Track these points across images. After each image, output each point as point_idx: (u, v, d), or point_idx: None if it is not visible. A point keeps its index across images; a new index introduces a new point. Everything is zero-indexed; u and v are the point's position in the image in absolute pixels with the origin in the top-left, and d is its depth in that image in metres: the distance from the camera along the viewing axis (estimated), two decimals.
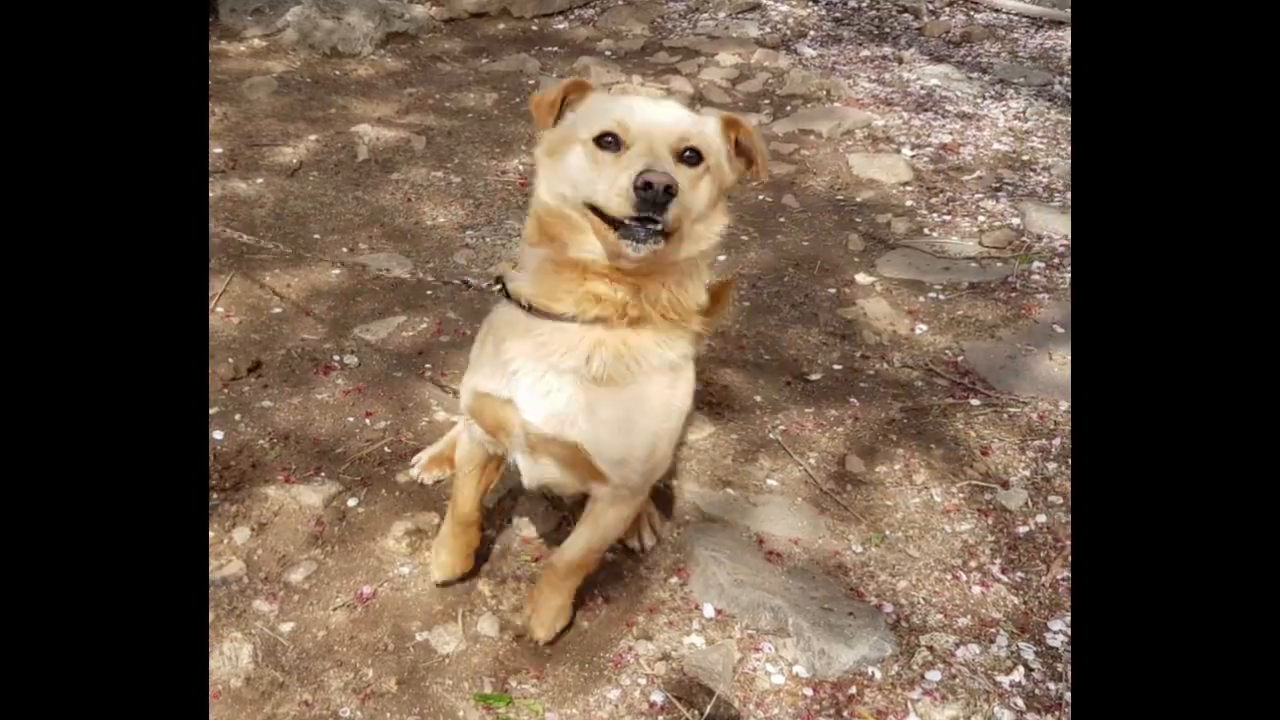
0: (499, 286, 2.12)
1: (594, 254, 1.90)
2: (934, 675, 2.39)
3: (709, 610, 2.52)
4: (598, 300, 1.94)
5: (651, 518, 2.74)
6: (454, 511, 2.44)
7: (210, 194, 4.32)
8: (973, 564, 2.74)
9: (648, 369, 2.01)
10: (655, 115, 1.91)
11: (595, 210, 1.86)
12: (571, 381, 2.00)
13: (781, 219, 4.50)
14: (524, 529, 2.74)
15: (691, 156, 1.89)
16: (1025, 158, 5.08)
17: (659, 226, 1.79)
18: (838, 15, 7.02)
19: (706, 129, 1.96)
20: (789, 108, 5.57)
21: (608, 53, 6.27)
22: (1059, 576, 2.66)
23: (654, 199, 1.75)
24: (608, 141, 1.86)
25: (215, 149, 4.68)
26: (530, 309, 2.00)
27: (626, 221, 1.80)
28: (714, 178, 1.94)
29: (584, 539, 2.29)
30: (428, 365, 3.38)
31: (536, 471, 2.17)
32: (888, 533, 2.82)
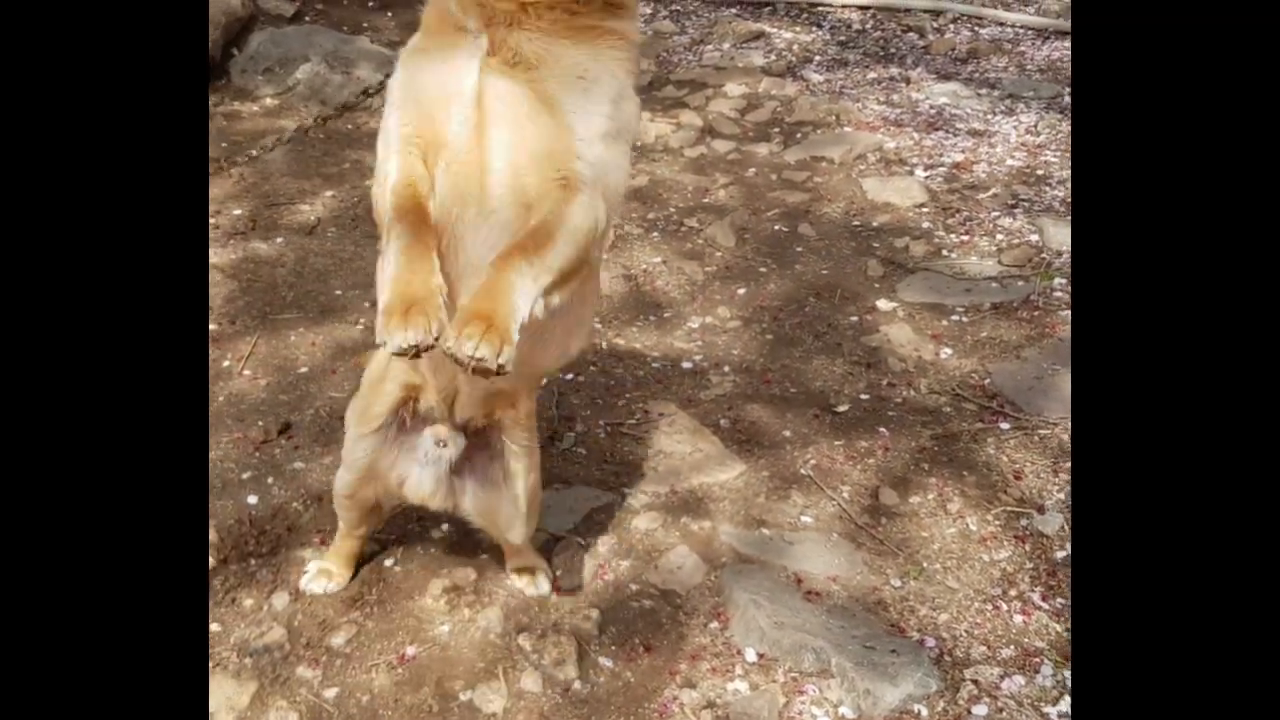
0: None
1: None
2: (980, 710, 2.37)
3: (751, 655, 2.51)
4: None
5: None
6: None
7: (231, 256, 4.36)
8: (1013, 592, 2.72)
9: (595, 34, 1.92)
10: None
11: None
12: (524, 32, 1.88)
13: (799, 248, 4.50)
14: (562, 579, 2.74)
15: None
16: (1040, 172, 5.07)
17: None
18: (842, 39, 7.04)
19: None
20: (799, 135, 5.59)
21: None
22: None
23: None
24: None
25: (234, 210, 4.72)
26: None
27: None
28: None
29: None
30: None
31: (481, 207, 1.93)
32: (925, 565, 2.81)
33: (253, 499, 2.99)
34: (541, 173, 1.90)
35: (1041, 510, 2.97)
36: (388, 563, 2.78)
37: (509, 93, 1.88)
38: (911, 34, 7.09)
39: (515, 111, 1.88)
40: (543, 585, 2.69)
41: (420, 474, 2.41)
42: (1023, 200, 4.78)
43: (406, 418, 2.40)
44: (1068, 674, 2.46)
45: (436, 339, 1.77)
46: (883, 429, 3.34)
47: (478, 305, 1.79)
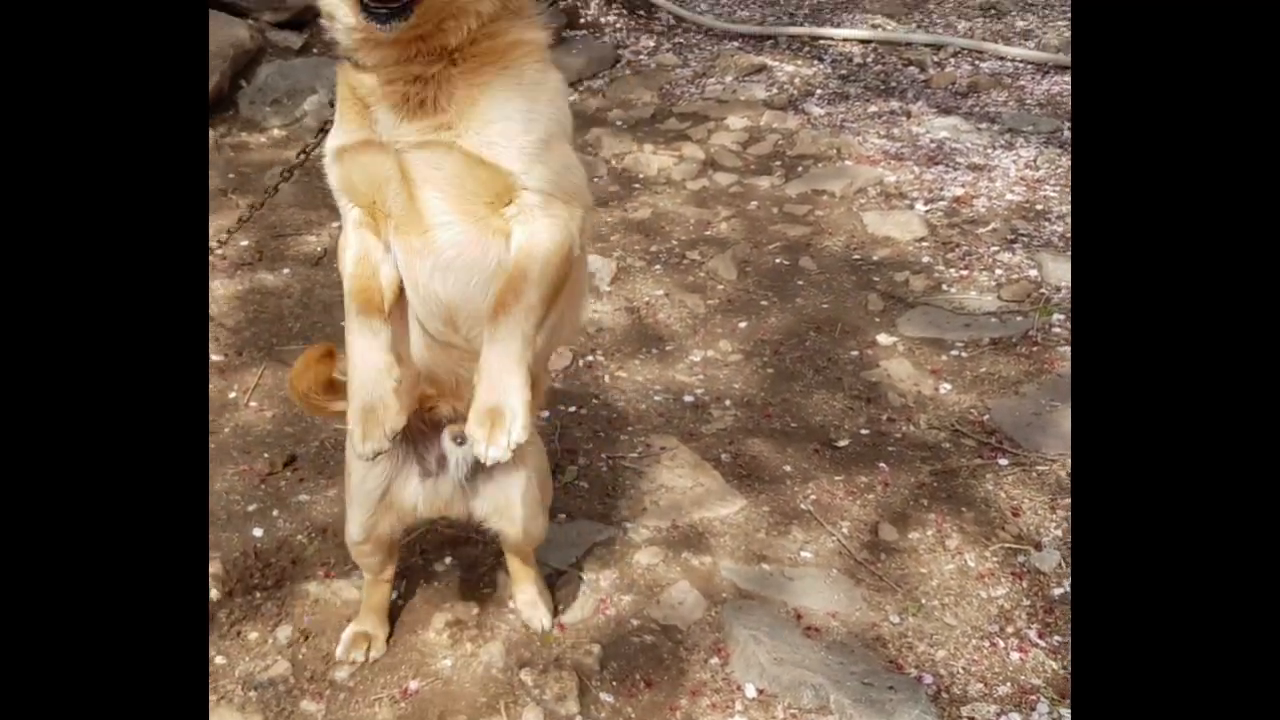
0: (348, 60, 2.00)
1: (357, 27, 1.86)
2: None
3: (751, 691, 2.54)
4: (413, 54, 1.88)
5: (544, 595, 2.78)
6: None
7: (238, 287, 4.41)
8: (1010, 630, 2.75)
9: (504, 60, 1.93)
10: None
11: None
12: (429, 89, 1.91)
13: (800, 281, 4.54)
14: (564, 614, 2.77)
15: None
16: (1039, 207, 5.12)
17: (400, 3, 1.74)
18: (843, 72, 7.11)
19: None
20: (800, 168, 5.64)
21: (619, 122, 6.36)
22: None
23: None
24: None
25: (242, 241, 4.77)
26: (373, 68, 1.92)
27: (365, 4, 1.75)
28: None
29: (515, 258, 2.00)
30: None
31: (437, 272, 2.03)
32: (924, 601, 2.84)
33: (258, 531, 3.02)
34: (492, 214, 1.97)
35: (1039, 547, 3.00)
36: (391, 597, 2.80)
37: (432, 160, 1.94)
38: (912, 68, 7.16)
39: (444, 173, 1.94)
40: (545, 620, 2.72)
41: (435, 484, 2.43)
42: (1022, 235, 4.83)
43: (416, 428, 2.42)
44: (1064, 711, 2.48)
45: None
46: (882, 464, 3.37)
47: (482, 401, 1.94)
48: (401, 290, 2.12)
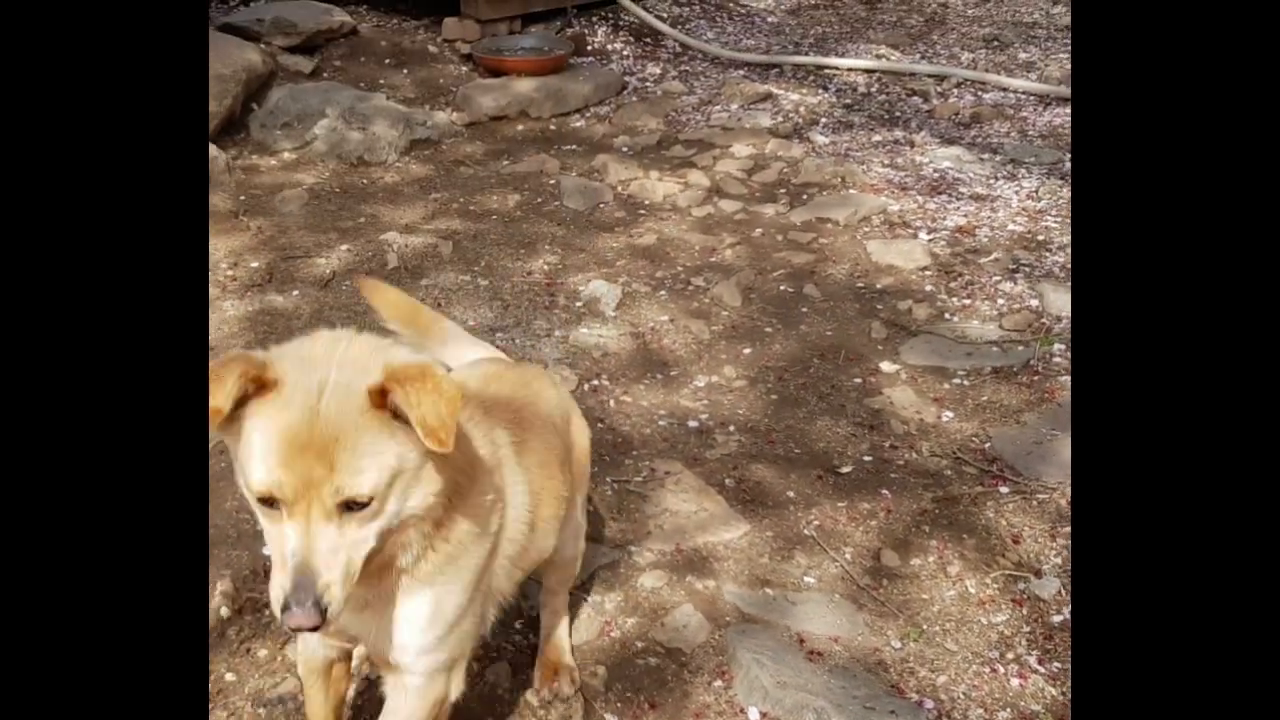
0: None
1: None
2: None
3: (754, 714, 2.57)
4: None
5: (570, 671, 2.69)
6: None
7: (248, 308, 4.46)
8: (1010, 656, 2.78)
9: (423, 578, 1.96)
10: (309, 470, 1.65)
11: None
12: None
13: (804, 309, 4.59)
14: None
15: (356, 505, 1.69)
16: (1040, 238, 5.17)
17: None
18: (848, 102, 7.18)
19: (368, 448, 1.68)
20: (805, 196, 5.70)
21: (625, 149, 6.43)
22: None
23: (315, 601, 1.66)
24: (269, 501, 1.68)
25: (252, 263, 4.83)
26: None
27: None
28: (401, 478, 1.73)
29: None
30: None
31: None
32: (925, 626, 2.88)
33: (268, 550, 3.05)
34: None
35: (1039, 574, 3.04)
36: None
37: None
38: (916, 98, 7.23)
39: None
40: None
41: None
42: (1024, 265, 4.88)
43: None
44: None
45: None
46: (885, 491, 3.41)
47: None
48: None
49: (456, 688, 2.14)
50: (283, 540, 1.68)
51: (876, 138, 6.57)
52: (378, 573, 1.88)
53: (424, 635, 1.99)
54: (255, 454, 1.67)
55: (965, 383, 4.03)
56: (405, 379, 1.67)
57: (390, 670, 2.07)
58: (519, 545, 2.17)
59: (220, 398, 1.64)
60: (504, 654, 2.73)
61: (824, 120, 6.87)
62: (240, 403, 1.68)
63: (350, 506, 1.68)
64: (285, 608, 1.65)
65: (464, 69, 7.42)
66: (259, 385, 1.68)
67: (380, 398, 1.68)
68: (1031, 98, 7.16)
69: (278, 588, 1.68)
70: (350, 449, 1.66)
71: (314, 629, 1.69)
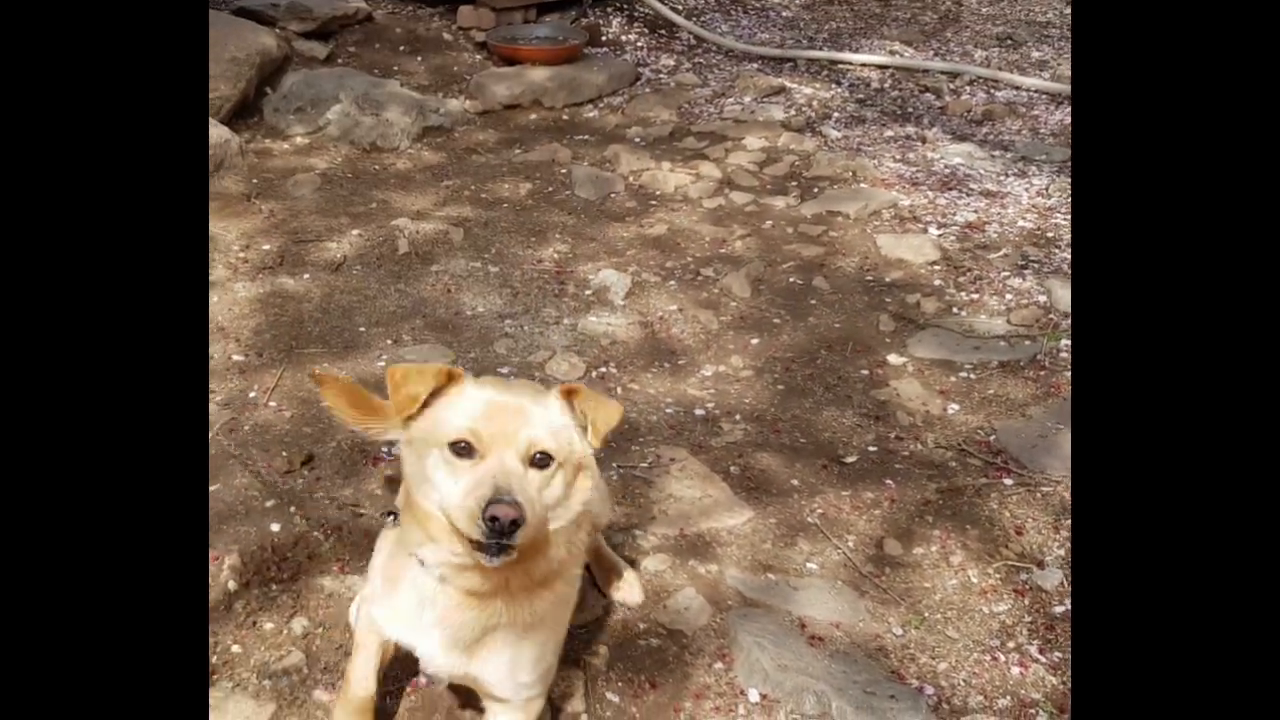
0: (391, 519, 2.23)
1: (459, 553, 1.96)
2: None
3: (754, 695, 2.59)
4: (485, 579, 2.02)
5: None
6: (346, 693, 2.41)
7: (260, 290, 4.48)
8: (1011, 645, 2.80)
9: (530, 622, 2.11)
10: (507, 423, 1.93)
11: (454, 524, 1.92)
12: (473, 635, 2.10)
13: (813, 301, 4.61)
14: (572, 616, 2.82)
15: (542, 459, 1.93)
16: (1050, 234, 5.18)
17: (511, 546, 1.85)
18: (861, 97, 7.18)
19: (554, 421, 1.99)
20: (816, 190, 5.71)
21: (637, 139, 6.44)
22: None
23: (501, 529, 1.81)
24: (462, 448, 1.91)
25: (264, 246, 4.85)
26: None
27: (479, 542, 1.86)
28: (568, 466, 1.98)
29: None
30: None
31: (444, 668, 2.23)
32: (927, 614, 2.89)
33: (275, 526, 3.08)
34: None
35: (1041, 565, 3.05)
36: None
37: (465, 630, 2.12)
38: (929, 94, 7.23)
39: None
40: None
41: None
42: (1032, 261, 4.89)
43: None
44: None
45: None
46: (889, 481, 3.42)
47: None
48: None
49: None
50: (475, 475, 1.87)
51: (888, 133, 6.57)
52: (516, 590, 2.06)
53: (532, 673, 2.19)
54: (457, 412, 1.95)
55: (972, 376, 4.04)
56: (585, 391, 2.05)
57: (497, 701, 2.25)
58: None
59: (419, 387, 1.98)
60: None
61: (836, 115, 6.87)
62: (429, 398, 1.99)
63: (535, 462, 1.93)
64: (488, 506, 1.81)
65: (478, 57, 7.44)
66: (449, 380, 2.01)
67: (567, 397, 2.03)
68: (1043, 96, 7.16)
69: (471, 500, 1.84)
70: (541, 412, 1.99)
71: (514, 523, 1.81)
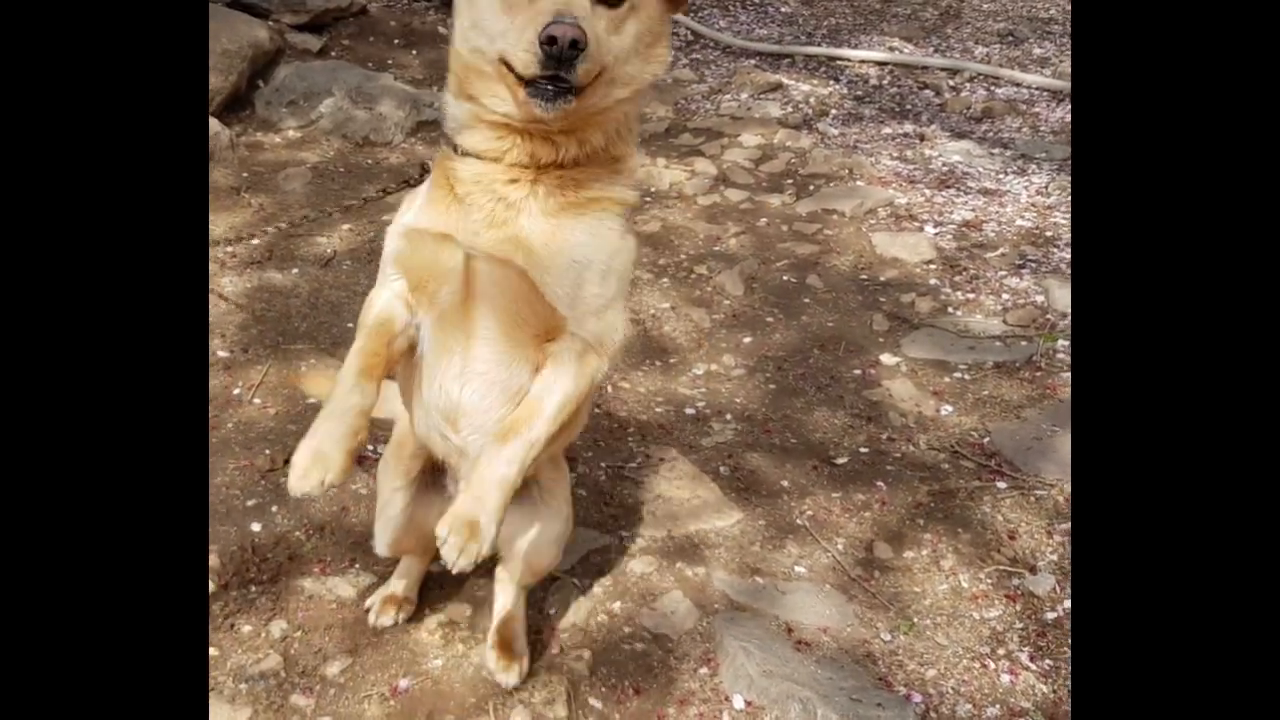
0: (450, 146, 2.03)
1: (509, 110, 1.85)
2: None
3: (739, 702, 2.54)
4: (532, 154, 1.91)
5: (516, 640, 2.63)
6: (364, 320, 2.13)
7: (247, 284, 4.43)
8: (1001, 652, 2.75)
9: (594, 207, 1.97)
10: None
11: (508, 63, 1.79)
12: (519, 213, 1.94)
13: (806, 299, 4.56)
14: (556, 619, 2.78)
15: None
16: (1048, 234, 5.13)
17: (569, 84, 1.74)
18: (859, 94, 7.13)
19: None
20: (812, 187, 5.66)
21: None
22: None
23: (560, 55, 1.69)
24: None
25: (253, 240, 4.79)
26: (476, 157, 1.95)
27: (535, 79, 1.74)
28: (643, 11, 1.85)
29: (529, 409, 2.06)
30: None
31: (461, 377, 2.09)
32: (916, 620, 2.84)
33: (256, 526, 3.03)
34: (532, 344, 2.05)
35: (1034, 570, 3.00)
36: (384, 594, 2.81)
37: (501, 278, 1.98)
38: (928, 91, 7.18)
39: (505, 294, 2.00)
40: (513, 679, 2.54)
41: None
42: (1030, 261, 4.84)
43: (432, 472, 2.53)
44: None
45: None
46: (880, 483, 3.37)
47: (461, 509, 1.98)
48: (412, 350, 2.16)
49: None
50: (534, 7, 1.74)
51: (886, 130, 6.52)
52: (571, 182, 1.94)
53: (592, 288, 1.99)
54: None
55: (966, 377, 3.99)
56: None
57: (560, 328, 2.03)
58: None
59: None
60: (489, 635, 2.70)
61: (834, 111, 6.82)
62: None
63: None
64: (547, 27, 1.68)
65: None
66: None
67: None
68: (1045, 93, 7.11)
69: (530, 28, 1.72)
70: None
71: (574, 44, 1.69)
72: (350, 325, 4.15)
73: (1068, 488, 3.31)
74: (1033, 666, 2.69)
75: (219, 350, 3.94)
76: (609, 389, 3.85)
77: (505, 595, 2.62)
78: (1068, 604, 2.87)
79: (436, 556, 2.17)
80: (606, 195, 1.99)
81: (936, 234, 5.12)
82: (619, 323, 2.08)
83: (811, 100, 7.00)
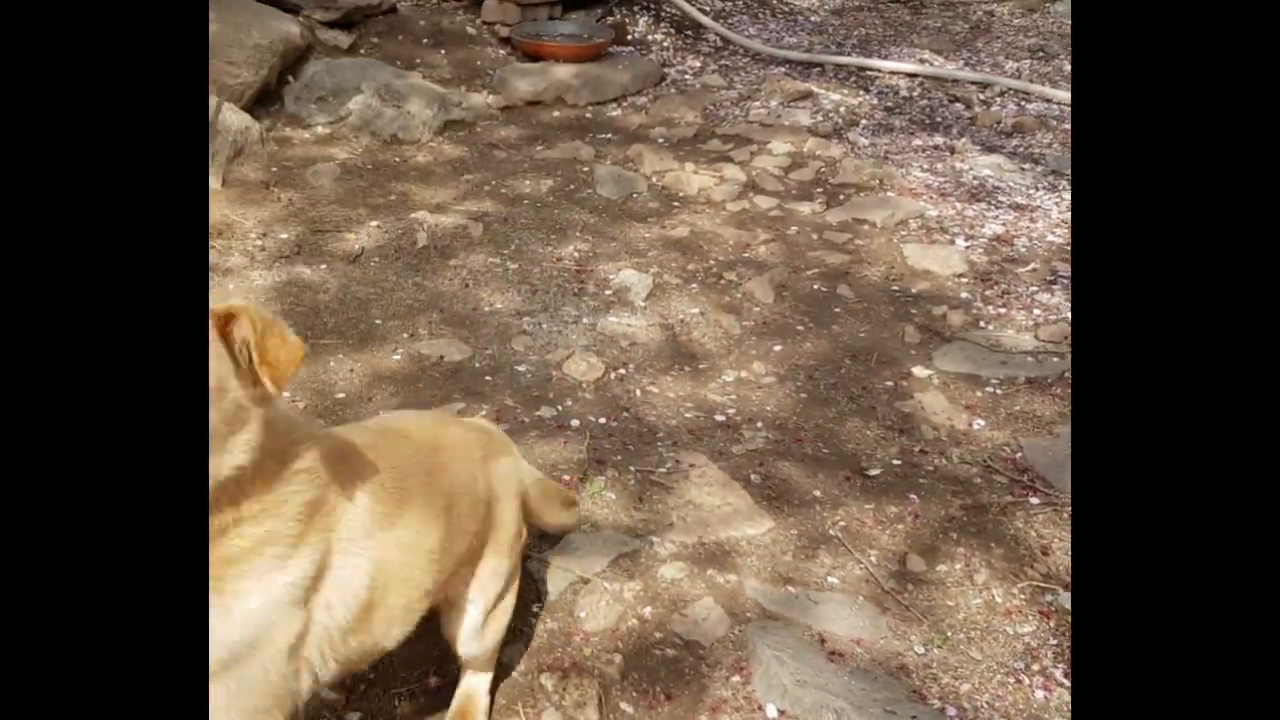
0: None
1: None
2: None
3: (772, 710, 2.51)
4: None
5: None
6: None
7: (276, 279, 4.42)
8: (1035, 667, 2.72)
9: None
10: None
11: None
12: None
13: (837, 309, 4.53)
14: (586, 622, 2.75)
15: None
16: None
17: None
18: (889, 105, 7.10)
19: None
20: (842, 197, 5.63)
21: (660, 139, 6.37)
22: None
23: None
24: None
25: (282, 234, 4.79)
26: None
27: None
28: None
29: None
30: None
31: None
32: (950, 633, 2.81)
33: None
34: None
35: (1067, 587, 2.97)
36: None
37: None
38: (958, 104, 7.15)
39: None
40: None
41: None
42: (1061, 277, 4.80)
43: None
44: None
45: None
46: (913, 495, 3.34)
47: None
48: None
49: None
50: None
51: (917, 142, 6.49)
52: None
53: None
54: None
55: (998, 391, 3.96)
56: (250, 314, 1.57)
57: None
58: (344, 618, 1.85)
59: None
60: (520, 637, 2.68)
61: (864, 122, 6.79)
62: None
63: None
64: None
65: (502, 52, 7.38)
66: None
67: (223, 322, 1.57)
68: None
69: None
70: None
71: None
72: (378, 322, 4.15)
73: None
74: (1067, 683, 2.66)
75: None
76: (638, 393, 3.83)
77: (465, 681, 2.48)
78: None
79: None
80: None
81: (968, 247, 5.08)
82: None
83: (841, 110, 6.97)
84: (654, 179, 5.77)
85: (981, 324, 4.43)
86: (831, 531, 3.17)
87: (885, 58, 7.93)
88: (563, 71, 6.98)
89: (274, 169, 5.54)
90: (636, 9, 8.46)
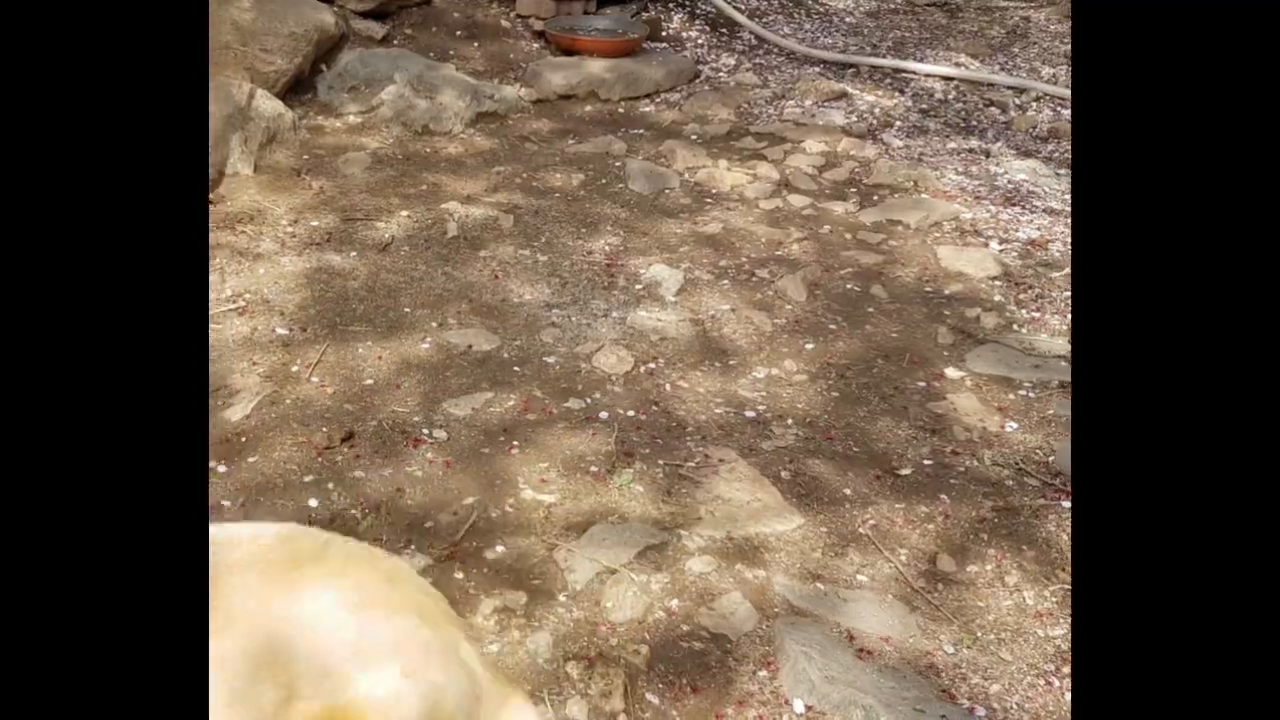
0: None
1: None
2: None
3: (799, 706, 2.48)
4: None
5: None
6: None
7: (306, 265, 4.42)
8: (1066, 670, 2.68)
9: None
10: None
11: None
12: None
13: (870, 309, 4.49)
14: (613, 613, 2.73)
15: None
16: None
17: None
18: (924, 107, 7.05)
19: None
20: (876, 197, 5.59)
21: (694, 136, 6.34)
22: None
23: None
24: None
25: (313, 222, 4.79)
26: None
27: None
28: None
29: None
30: (514, 443, 3.40)
31: None
32: (980, 634, 2.78)
33: (313, 502, 3.01)
34: None
35: None
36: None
37: None
38: (994, 108, 7.09)
39: None
40: None
41: None
42: None
43: None
44: None
45: None
46: (944, 496, 3.30)
47: None
48: None
49: None
50: None
51: (951, 144, 6.44)
52: None
53: None
54: None
55: (1031, 395, 3.92)
56: None
57: None
58: None
59: None
60: (545, 624, 2.66)
61: (899, 123, 6.74)
62: None
63: None
64: None
65: (535, 45, 7.36)
66: None
67: None
68: None
69: None
70: None
71: None
72: (407, 310, 4.14)
73: None
74: None
75: (278, 328, 3.93)
76: (667, 387, 3.80)
77: None
78: None
79: None
80: None
81: (1002, 250, 5.04)
82: None
83: (876, 111, 6.92)
84: (686, 175, 5.74)
85: (1015, 327, 4.39)
86: (861, 530, 3.13)
87: (921, 60, 7.87)
88: (596, 66, 6.96)
89: (306, 156, 5.54)
90: (671, 5, 8.43)
